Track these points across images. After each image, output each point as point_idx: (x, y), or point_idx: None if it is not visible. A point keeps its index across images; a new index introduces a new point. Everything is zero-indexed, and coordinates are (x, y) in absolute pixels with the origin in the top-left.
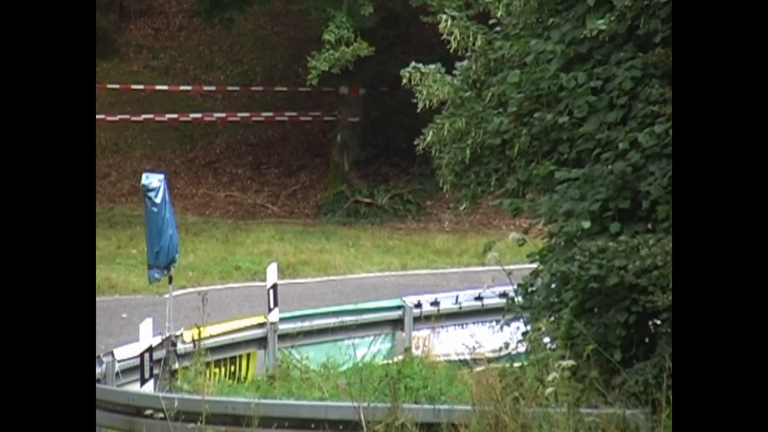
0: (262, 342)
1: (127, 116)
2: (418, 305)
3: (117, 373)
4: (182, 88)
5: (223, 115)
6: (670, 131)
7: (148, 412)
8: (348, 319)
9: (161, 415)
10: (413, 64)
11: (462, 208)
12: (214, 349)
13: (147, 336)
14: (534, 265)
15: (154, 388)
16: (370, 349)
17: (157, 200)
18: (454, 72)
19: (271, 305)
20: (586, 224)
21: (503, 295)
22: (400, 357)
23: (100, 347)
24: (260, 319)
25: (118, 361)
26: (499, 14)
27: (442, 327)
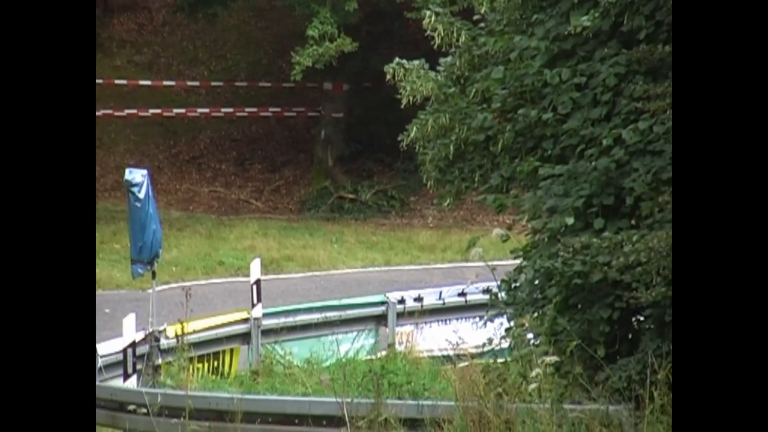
0: (245, 337)
1: (110, 111)
2: (402, 301)
3: (100, 368)
4: (166, 83)
5: (206, 110)
6: (654, 128)
7: (131, 407)
8: (331, 314)
9: (144, 410)
10: (397, 60)
11: (446, 204)
12: (197, 345)
13: (130, 331)
14: (518, 261)
15: (137, 384)
16: (354, 344)
17: (141, 195)
18: (438, 68)
19: (255, 301)
20: (570, 220)
21: (487, 291)
22: (384, 353)
23: None
24: (244, 315)
25: (101, 357)
26: (483, 10)
27: (425, 323)
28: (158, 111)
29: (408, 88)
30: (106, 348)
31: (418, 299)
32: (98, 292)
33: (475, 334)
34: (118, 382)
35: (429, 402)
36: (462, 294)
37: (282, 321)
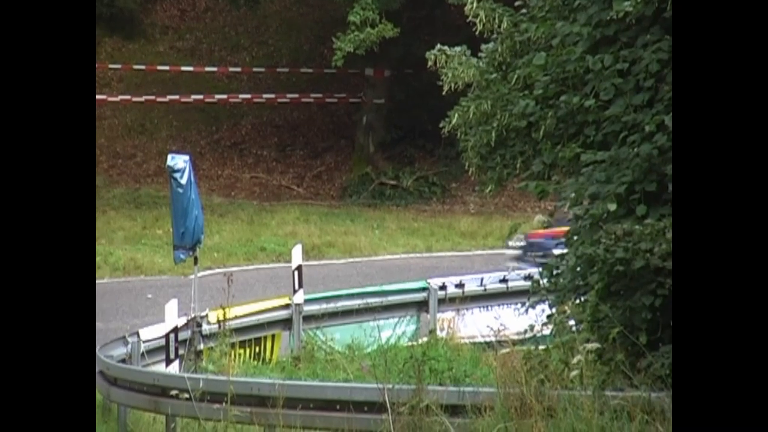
0: (287, 323)
1: (152, 97)
2: (443, 287)
3: (142, 354)
4: (208, 69)
5: (248, 96)
6: None
7: (174, 392)
8: (373, 300)
9: (186, 395)
10: (439, 46)
11: (487, 190)
12: (239, 330)
13: (172, 316)
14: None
15: (180, 369)
16: (395, 330)
17: (183, 181)
18: (480, 54)
19: (296, 286)
20: (612, 207)
21: (528, 277)
22: (425, 339)
23: (126, 327)
24: (285, 301)
25: (144, 342)
26: None
27: (466, 309)
28: (200, 97)
29: (449, 75)
30: (149, 333)
31: (460, 285)
32: (141, 277)
33: (517, 321)
34: (161, 368)
35: (470, 388)
36: (503, 280)
37: (323, 307)
